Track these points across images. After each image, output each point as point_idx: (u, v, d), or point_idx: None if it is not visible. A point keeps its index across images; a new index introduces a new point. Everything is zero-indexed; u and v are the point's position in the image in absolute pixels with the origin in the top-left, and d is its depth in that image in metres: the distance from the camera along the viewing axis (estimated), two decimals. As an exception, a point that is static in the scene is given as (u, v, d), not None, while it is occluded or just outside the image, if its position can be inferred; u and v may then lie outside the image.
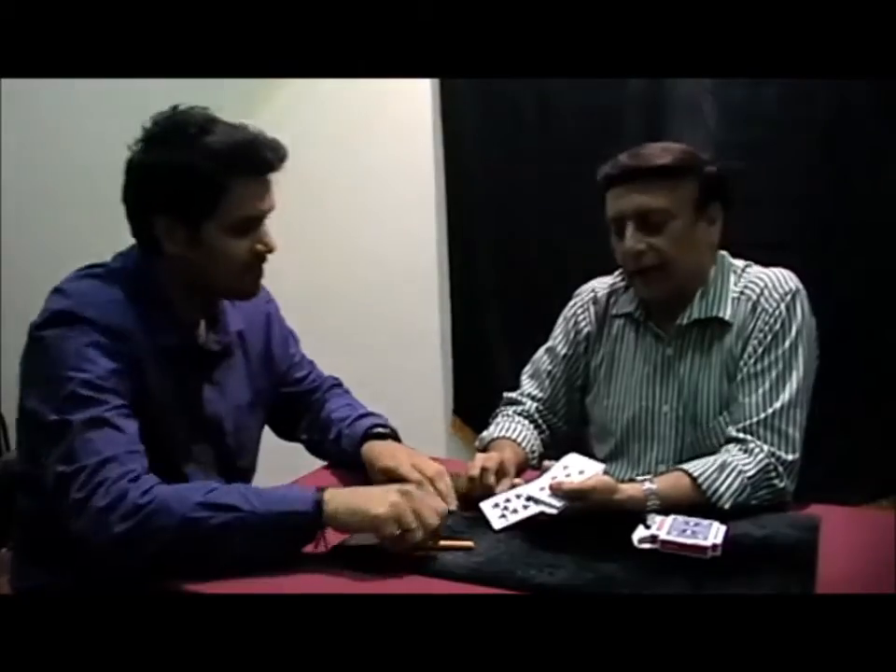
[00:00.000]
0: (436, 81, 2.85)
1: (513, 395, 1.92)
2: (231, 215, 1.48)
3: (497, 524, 1.49)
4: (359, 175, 2.94)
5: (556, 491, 1.46)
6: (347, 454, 1.74)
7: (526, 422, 1.86)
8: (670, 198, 1.65)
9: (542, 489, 1.49)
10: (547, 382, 1.89)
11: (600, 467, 1.53)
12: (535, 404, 1.88)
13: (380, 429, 1.74)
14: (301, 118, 2.85)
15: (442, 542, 1.42)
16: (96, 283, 1.50)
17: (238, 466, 1.65)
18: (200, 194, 1.46)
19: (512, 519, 1.49)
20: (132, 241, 1.55)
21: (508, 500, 1.54)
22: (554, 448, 1.83)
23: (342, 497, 1.39)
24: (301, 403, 1.85)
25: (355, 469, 1.70)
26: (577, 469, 1.51)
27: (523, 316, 2.82)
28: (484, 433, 1.84)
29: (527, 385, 1.92)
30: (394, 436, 1.75)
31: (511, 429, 1.82)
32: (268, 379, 1.74)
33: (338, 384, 1.91)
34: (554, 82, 2.69)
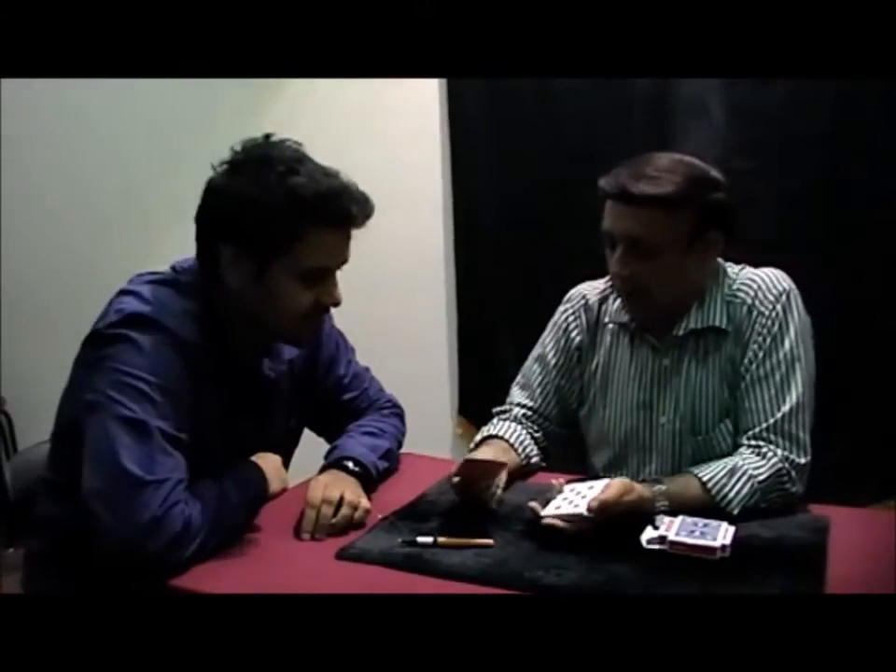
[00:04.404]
0: (443, 81, 2.85)
1: (502, 407, 1.86)
2: (301, 263, 1.44)
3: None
4: (365, 176, 2.91)
5: (595, 512, 1.41)
6: None
7: (515, 425, 1.80)
8: (663, 230, 1.58)
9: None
10: (538, 392, 1.83)
11: (603, 480, 1.50)
12: (522, 411, 1.82)
13: (347, 462, 1.62)
14: (305, 118, 2.84)
15: (462, 541, 1.42)
16: (170, 292, 1.47)
17: None
18: (275, 235, 1.42)
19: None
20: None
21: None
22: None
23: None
24: (337, 425, 1.77)
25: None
26: (586, 488, 1.48)
27: (528, 317, 2.78)
28: (477, 436, 1.81)
29: (517, 395, 1.85)
30: (363, 474, 1.63)
31: (500, 429, 1.77)
32: (305, 405, 1.71)
33: (383, 407, 1.83)
34: (561, 82, 2.69)
